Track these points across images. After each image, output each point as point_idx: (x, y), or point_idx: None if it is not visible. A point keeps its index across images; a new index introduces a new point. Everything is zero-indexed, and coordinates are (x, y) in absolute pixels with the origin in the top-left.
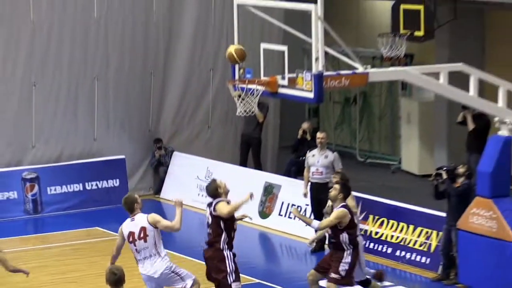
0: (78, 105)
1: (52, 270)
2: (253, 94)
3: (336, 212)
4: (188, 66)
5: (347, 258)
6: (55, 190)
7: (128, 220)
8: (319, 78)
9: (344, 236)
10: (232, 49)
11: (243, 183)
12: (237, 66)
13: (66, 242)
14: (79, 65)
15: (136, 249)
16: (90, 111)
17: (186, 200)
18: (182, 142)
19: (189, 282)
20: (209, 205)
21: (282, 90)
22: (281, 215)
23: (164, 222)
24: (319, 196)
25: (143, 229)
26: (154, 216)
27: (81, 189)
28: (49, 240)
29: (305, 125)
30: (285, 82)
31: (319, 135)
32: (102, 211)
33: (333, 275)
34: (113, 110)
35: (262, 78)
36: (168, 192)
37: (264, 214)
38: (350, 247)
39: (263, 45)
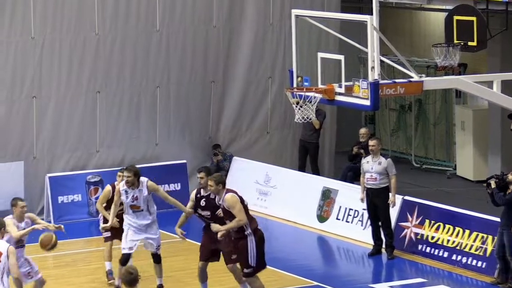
0: (140, 112)
1: (115, 271)
2: (311, 101)
3: None
4: (247, 74)
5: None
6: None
7: None
8: (375, 86)
9: None
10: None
11: (302, 188)
12: (294, 74)
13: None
14: (141, 74)
15: None
16: (152, 117)
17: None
18: (241, 147)
19: None
20: None
21: (339, 98)
22: (339, 219)
23: None
24: (374, 201)
25: None
26: None
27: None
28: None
29: (362, 131)
30: (342, 90)
31: (370, 142)
32: (163, 215)
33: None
34: (174, 116)
35: (320, 86)
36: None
37: (322, 218)
38: None
39: (320, 54)
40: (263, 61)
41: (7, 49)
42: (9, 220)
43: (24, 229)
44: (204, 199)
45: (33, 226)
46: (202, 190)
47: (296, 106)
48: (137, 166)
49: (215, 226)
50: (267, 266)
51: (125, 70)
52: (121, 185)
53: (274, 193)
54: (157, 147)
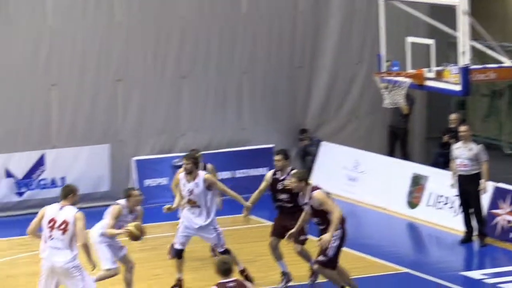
0: (227, 96)
1: (200, 255)
2: (400, 86)
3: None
4: (335, 59)
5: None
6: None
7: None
8: (465, 72)
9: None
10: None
11: (391, 173)
12: (383, 59)
13: None
14: (227, 60)
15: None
16: (238, 102)
17: (334, 189)
18: (329, 132)
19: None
20: None
21: (428, 83)
22: (429, 206)
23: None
24: (466, 188)
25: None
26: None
27: (230, 176)
28: None
29: (453, 116)
30: (432, 75)
31: (461, 128)
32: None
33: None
34: (261, 101)
35: (409, 71)
36: (316, 181)
37: (412, 204)
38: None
39: (410, 39)
40: (352, 45)
41: (93, 33)
42: (116, 207)
43: (133, 220)
44: (280, 183)
45: (125, 229)
46: (278, 172)
47: (385, 91)
48: (224, 150)
49: (326, 240)
50: (357, 252)
51: (212, 56)
52: (181, 174)
53: (363, 178)
54: (244, 131)
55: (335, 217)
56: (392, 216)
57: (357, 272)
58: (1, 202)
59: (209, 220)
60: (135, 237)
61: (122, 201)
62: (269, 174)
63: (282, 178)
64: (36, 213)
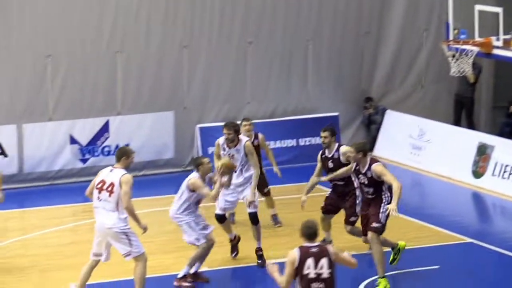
0: (292, 63)
1: (265, 223)
2: (467, 54)
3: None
4: (402, 27)
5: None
6: (269, 145)
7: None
8: None
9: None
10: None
11: (456, 143)
12: (451, 27)
13: (278, 197)
14: (294, 27)
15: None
16: (304, 69)
17: (399, 158)
18: (395, 100)
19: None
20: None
21: (496, 51)
22: (495, 175)
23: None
24: None
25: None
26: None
27: (295, 144)
28: None
29: None
30: (500, 43)
31: None
32: (314, 167)
33: (374, 224)
34: (327, 69)
35: (477, 39)
36: (381, 150)
37: (477, 174)
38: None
39: (478, 7)
40: (419, 13)
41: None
42: (197, 180)
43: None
44: (330, 161)
45: (219, 184)
46: (326, 150)
47: (452, 59)
48: (289, 118)
49: (393, 209)
50: (421, 222)
51: (277, 22)
52: (221, 140)
53: (428, 147)
54: (309, 99)
55: (396, 187)
56: (456, 185)
57: (421, 242)
58: (65, 169)
59: (244, 180)
60: (231, 166)
61: (194, 174)
62: (318, 155)
63: (330, 156)
64: None
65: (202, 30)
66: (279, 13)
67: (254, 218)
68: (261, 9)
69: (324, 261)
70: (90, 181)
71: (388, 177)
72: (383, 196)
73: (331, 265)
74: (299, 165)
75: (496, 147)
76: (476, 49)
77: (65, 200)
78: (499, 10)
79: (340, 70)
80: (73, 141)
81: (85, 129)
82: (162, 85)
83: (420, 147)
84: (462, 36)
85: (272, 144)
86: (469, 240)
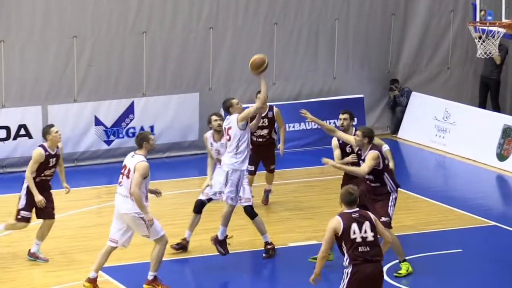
0: (318, 45)
1: (289, 206)
2: (494, 36)
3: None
4: (429, 7)
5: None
6: (293, 127)
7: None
8: None
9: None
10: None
11: (482, 125)
12: (478, 8)
13: (301, 179)
14: (320, 7)
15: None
16: (330, 51)
17: (424, 140)
18: (420, 82)
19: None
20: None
21: None
22: None
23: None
24: None
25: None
26: None
27: (319, 126)
28: (286, 176)
29: None
30: None
31: None
32: (296, 154)
33: (383, 218)
34: (353, 50)
35: (504, 20)
36: (406, 132)
37: (502, 157)
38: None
39: None
40: None
41: None
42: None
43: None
44: (348, 146)
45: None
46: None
47: (479, 41)
48: (314, 100)
49: (326, 161)
50: (445, 205)
51: (304, 1)
52: (208, 134)
53: (453, 129)
54: (335, 80)
55: (358, 170)
56: (481, 168)
57: (445, 225)
58: (90, 150)
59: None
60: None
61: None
62: (335, 141)
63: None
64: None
65: (228, 10)
66: None
67: (250, 213)
68: None
69: (367, 225)
70: (115, 163)
71: (365, 164)
72: (388, 187)
73: (373, 228)
74: (323, 147)
75: None
76: (502, 30)
77: (89, 182)
78: None
79: (366, 51)
80: (98, 122)
81: (110, 110)
82: (188, 66)
83: (445, 129)
84: (489, 18)
85: (296, 126)
86: (493, 223)
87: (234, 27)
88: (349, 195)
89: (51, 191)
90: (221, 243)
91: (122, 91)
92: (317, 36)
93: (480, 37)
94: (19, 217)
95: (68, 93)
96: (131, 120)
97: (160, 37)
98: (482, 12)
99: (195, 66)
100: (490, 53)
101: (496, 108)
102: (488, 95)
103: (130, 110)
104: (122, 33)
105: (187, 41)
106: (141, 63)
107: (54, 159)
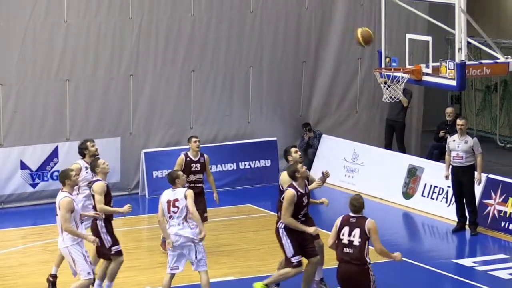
0: (233, 91)
1: (207, 244)
2: (399, 81)
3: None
4: (338, 55)
5: None
6: (211, 168)
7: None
8: (461, 67)
9: None
10: (358, 32)
11: (388, 165)
12: (383, 55)
13: (219, 218)
14: (235, 55)
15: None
16: (244, 96)
17: (334, 180)
18: (330, 125)
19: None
20: None
21: (426, 78)
22: (424, 196)
23: None
24: (460, 179)
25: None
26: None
27: (235, 168)
28: None
29: (449, 110)
30: (429, 71)
31: (459, 121)
32: (254, 189)
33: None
34: (266, 95)
35: (407, 66)
36: (317, 173)
37: (407, 195)
38: None
39: (409, 36)
40: (353, 42)
41: (106, 28)
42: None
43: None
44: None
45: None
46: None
47: (384, 86)
48: (230, 143)
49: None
50: None
51: (220, 50)
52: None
53: (362, 169)
54: (250, 124)
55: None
56: (388, 206)
57: None
58: (16, 193)
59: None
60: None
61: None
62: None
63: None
64: (49, 203)
65: (147, 58)
66: (222, 40)
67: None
68: (204, 37)
69: (357, 231)
70: (40, 205)
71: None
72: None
73: (363, 236)
74: (239, 188)
75: (426, 169)
76: (407, 76)
77: (15, 223)
78: (428, 38)
79: (280, 96)
80: (23, 166)
81: (35, 154)
82: (109, 112)
83: (354, 169)
84: (394, 64)
85: (213, 168)
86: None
87: (153, 74)
88: (352, 206)
89: None
90: None
91: (47, 136)
92: (232, 82)
93: (385, 83)
94: None
95: None
96: (55, 163)
97: (83, 84)
98: (387, 59)
99: (117, 112)
100: (395, 98)
101: (402, 149)
102: (394, 137)
103: (54, 154)
104: (46, 81)
105: (109, 88)
106: (64, 109)
107: None
